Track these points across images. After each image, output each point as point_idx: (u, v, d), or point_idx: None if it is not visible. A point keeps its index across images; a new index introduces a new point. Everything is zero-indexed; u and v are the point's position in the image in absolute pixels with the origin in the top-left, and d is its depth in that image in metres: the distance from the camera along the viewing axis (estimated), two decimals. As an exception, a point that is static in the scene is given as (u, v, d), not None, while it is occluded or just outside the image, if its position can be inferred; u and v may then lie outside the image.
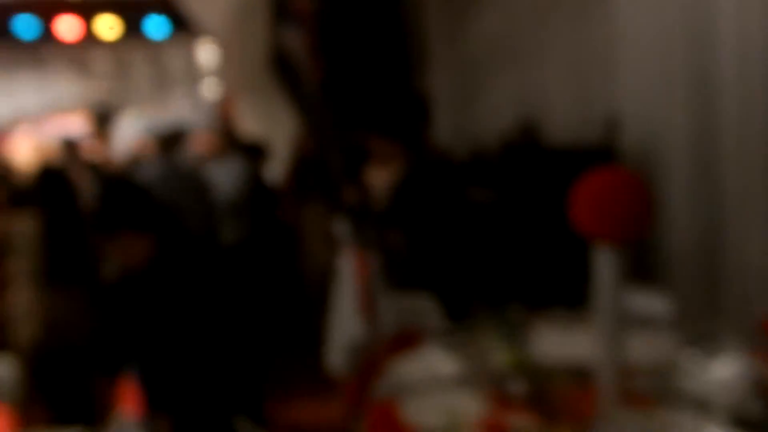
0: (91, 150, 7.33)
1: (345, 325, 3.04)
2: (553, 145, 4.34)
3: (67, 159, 5.30)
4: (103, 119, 9.54)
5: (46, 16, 9.38)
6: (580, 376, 1.88)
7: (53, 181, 3.05)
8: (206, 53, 11.63)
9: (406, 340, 2.32)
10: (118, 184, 3.73)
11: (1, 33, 9.72)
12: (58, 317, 2.79)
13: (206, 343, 2.01)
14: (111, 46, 11.25)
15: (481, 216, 3.13)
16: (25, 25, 9.51)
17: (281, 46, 6.68)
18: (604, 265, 1.68)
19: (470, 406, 1.83)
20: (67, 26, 9.57)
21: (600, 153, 3.50)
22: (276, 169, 5.00)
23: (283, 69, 6.70)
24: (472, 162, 4.79)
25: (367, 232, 2.77)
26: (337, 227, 3.14)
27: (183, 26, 10.27)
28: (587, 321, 1.97)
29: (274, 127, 6.84)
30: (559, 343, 2.10)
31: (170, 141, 4.73)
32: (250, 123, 7.48)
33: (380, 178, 2.88)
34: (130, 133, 9.71)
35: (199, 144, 4.43)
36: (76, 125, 9.28)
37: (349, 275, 3.02)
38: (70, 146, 6.01)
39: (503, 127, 4.77)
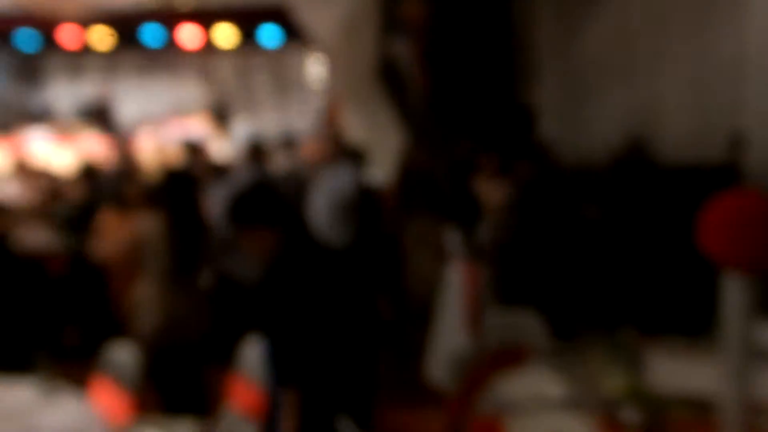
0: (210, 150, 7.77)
1: (449, 337, 3.03)
2: (668, 163, 4.15)
3: (190, 160, 5.65)
4: (221, 119, 10.11)
5: (169, 25, 9.99)
6: (699, 408, 1.79)
7: (178, 183, 3.26)
8: (316, 62, 12.03)
9: (510, 356, 2.29)
10: (255, 182, 4.00)
11: (130, 41, 10.50)
12: (178, 311, 2.96)
13: (321, 335, 2.13)
14: (230, 53, 11.90)
15: (591, 233, 3.04)
16: (151, 34, 10.20)
17: (389, 55, 6.76)
18: (734, 293, 1.60)
19: (578, 430, 1.78)
20: (188, 35, 10.17)
21: (723, 172, 3.31)
22: (378, 179, 5.07)
23: (390, 79, 6.78)
24: (580, 177, 4.66)
25: (477, 244, 2.76)
26: (447, 239, 3.13)
27: (296, 35, 10.69)
28: (709, 351, 1.86)
29: (378, 137, 6.94)
30: (676, 371, 2.00)
31: (257, 150, 4.96)
32: (356, 132, 7.64)
33: (490, 190, 2.86)
34: (242, 137, 10.21)
35: (309, 150, 4.57)
36: (196, 127, 9.86)
37: (456, 288, 3.00)
38: (192, 148, 6.40)
39: (612, 142, 4.63)
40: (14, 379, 2.22)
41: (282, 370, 2.16)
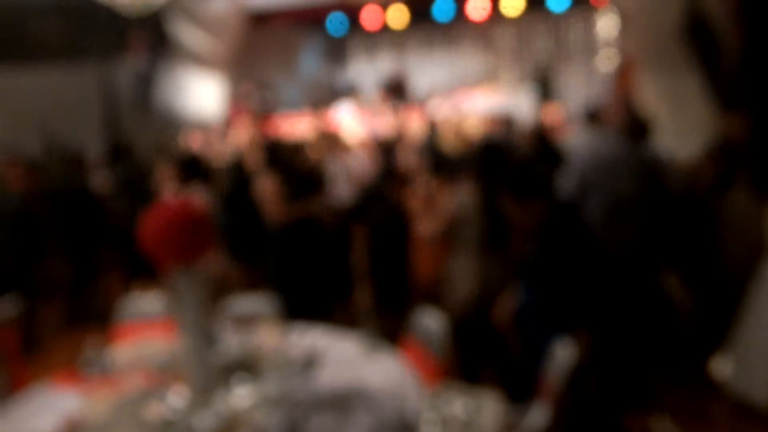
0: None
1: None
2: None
3: (505, 131, 5.78)
4: (544, 88, 10.15)
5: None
6: None
7: (493, 154, 3.34)
8: (605, 24, 11.34)
9: None
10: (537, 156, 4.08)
11: (422, 16, 11.10)
12: (488, 280, 3.07)
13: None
14: (513, 22, 11.88)
15: None
16: (442, 9, 10.64)
17: (698, 11, 6.03)
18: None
19: None
20: (476, 6, 10.38)
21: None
22: (687, 150, 4.60)
23: (697, 37, 6.07)
24: None
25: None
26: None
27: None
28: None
29: (682, 103, 6.29)
30: None
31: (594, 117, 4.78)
32: (651, 97, 7.04)
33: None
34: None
35: (608, 117, 4.31)
36: (484, 98, 10.09)
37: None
38: (507, 121, 6.58)
39: None
40: (344, 334, 2.55)
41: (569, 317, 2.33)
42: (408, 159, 5.01)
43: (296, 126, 8.96)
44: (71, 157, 5.99)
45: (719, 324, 3.34)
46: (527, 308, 2.56)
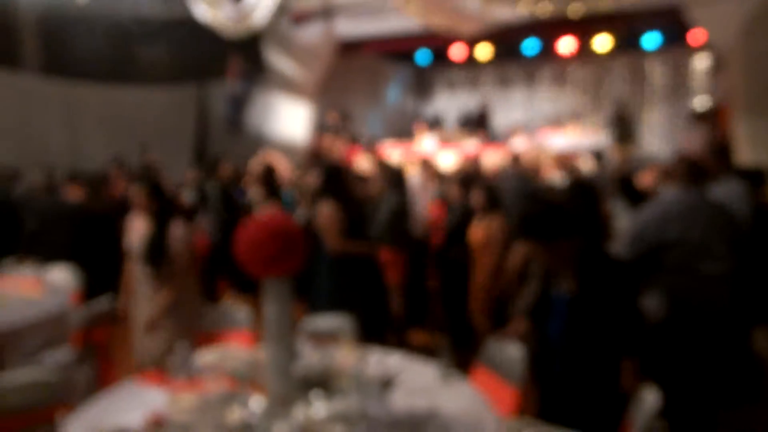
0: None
1: None
2: None
3: (596, 169, 5.74)
4: (623, 130, 10.03)
5: (548, 35, 10.20)
6: None
7: (583, 191, 3.33)
8: (699, 66, 10.99)
9: None
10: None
11: (509, 53, 11.08)
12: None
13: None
14: (598, 60, 11.68)
15: None
16: (530, 45, 10.57)
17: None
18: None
19: None
20: (565, 44, 10.27)
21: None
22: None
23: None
24: None
25: None
26: None
27: (675, 39, 9.93)
28: None
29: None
30: None
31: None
32: (746, 141, 6.74)
33: None
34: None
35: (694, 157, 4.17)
36: (564, 136, 9.95)
37: None
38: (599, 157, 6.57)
39: None
40: (424, 361, 2.55)
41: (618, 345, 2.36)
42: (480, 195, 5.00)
43: (386, 154, 9.12)
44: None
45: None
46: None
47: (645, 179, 4.63)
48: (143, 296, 3.46)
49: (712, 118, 8.58)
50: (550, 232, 2.41)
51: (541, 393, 2.55)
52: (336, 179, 3.79)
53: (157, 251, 3.35)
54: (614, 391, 2.34)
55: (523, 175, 5.81)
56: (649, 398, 2.08)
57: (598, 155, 8.07)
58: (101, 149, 8.08)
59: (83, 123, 8.53)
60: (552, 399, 2.49)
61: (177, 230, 3.40)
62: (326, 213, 3.67)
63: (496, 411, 2.18)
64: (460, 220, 4.63)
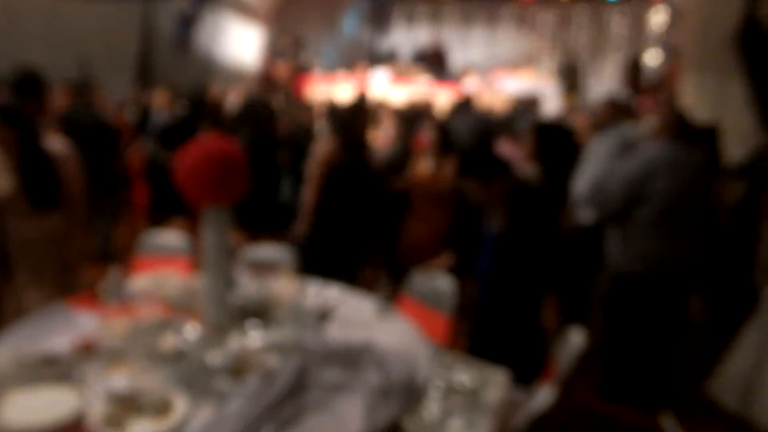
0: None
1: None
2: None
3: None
4: (570, 78, 10.04)
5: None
6: None
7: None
8: (656, 19, 11.06)
9: None
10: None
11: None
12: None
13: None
14: (558, 5, 11.62)
15: None
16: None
17: (754, 18, 5.86)
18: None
19: None
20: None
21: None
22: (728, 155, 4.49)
23: (749, 44, 5.89)
24: None
25: None
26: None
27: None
28: None
29: (720, 109, 6.12)
30: None
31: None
32: (693, 100, 6.88)
33: None
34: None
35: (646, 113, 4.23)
36: (517, 80, 9.94)
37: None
38: (532, 103, 6.55)
39: None
40: (363, 295, 2.57)
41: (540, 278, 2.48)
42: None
43: (333, 87, 8.91)
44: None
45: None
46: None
47: (577, 121, 4.66)
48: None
49: (664, 74, 8.70)
50: (486, 169, 2.47)
51: (470, 328, 2.63)
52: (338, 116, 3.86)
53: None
54: (536, 327, 2.45)
55: (479, 116, 5.78)
56: (575, 338, 2.17)
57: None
58: (39, 60, 7.61)
59: (23, 30, 8.01)
60: (481, 334, 2.57)
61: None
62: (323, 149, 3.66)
63: (429, 345, 2.23)
64: (400, 157, 4.53)
